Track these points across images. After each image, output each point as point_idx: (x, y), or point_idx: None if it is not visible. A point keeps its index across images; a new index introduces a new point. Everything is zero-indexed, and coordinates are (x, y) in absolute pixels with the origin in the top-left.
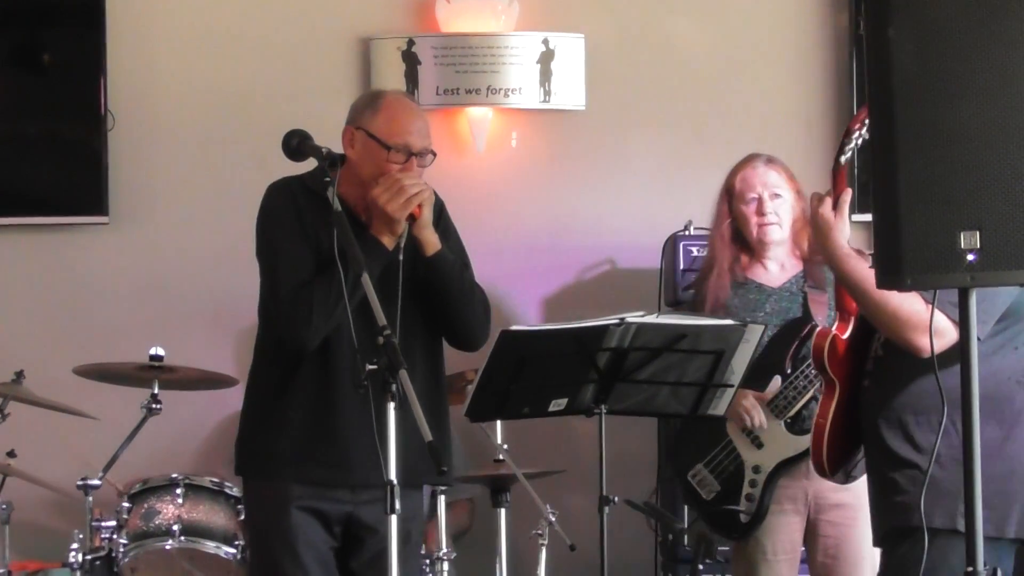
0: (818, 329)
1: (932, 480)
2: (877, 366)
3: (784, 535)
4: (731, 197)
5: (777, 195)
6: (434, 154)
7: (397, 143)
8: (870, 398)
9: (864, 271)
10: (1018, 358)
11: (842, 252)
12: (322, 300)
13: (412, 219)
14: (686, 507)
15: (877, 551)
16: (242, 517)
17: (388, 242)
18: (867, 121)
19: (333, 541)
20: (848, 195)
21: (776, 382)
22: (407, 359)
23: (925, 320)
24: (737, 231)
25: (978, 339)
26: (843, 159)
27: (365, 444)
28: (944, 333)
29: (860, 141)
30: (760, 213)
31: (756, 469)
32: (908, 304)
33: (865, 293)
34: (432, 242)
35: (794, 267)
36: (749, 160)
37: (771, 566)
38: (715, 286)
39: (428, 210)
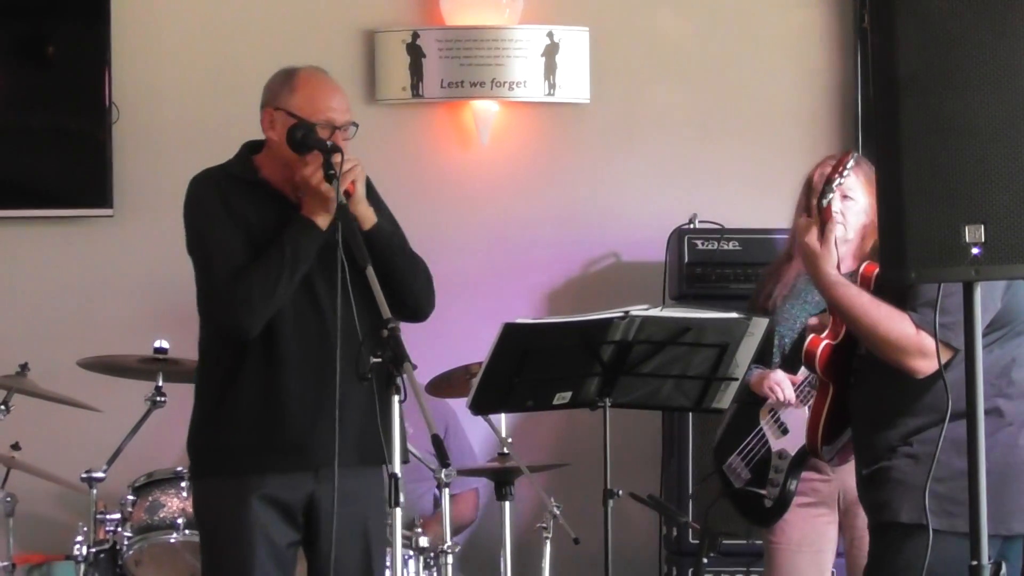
0: (810, 337)
1: (902, 476)
2: (861, 365)
3: (808, 528)
4: (808, 190)
5: (848, 197)
6: (356, 125)
7: (320, 119)
8: (855, 397)
9: (853, 297)
10: (993, 360)
11: (830, 280)
12: (261, 283)
13: (347, 195)
14: (691, 502)
15: None
16: None
17: (323, 222)
18: (849, 166)
19: (295, 534)
20: (834, 226)
21: (804, 370)
22: (356, 339)
23: (915, 343)
24: None
25: (956, 350)
26: (824, 202)
27: (322, 425)
28: (932, 355)
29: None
30: (828, 211)
31: (781, 455)
32: (898, 328)
33: (855, 319)
34: (368, 216)
35: (849, 268)
36: (833, 158)
37: (789, 557)
38: (794, 270)
39: (361, 186)
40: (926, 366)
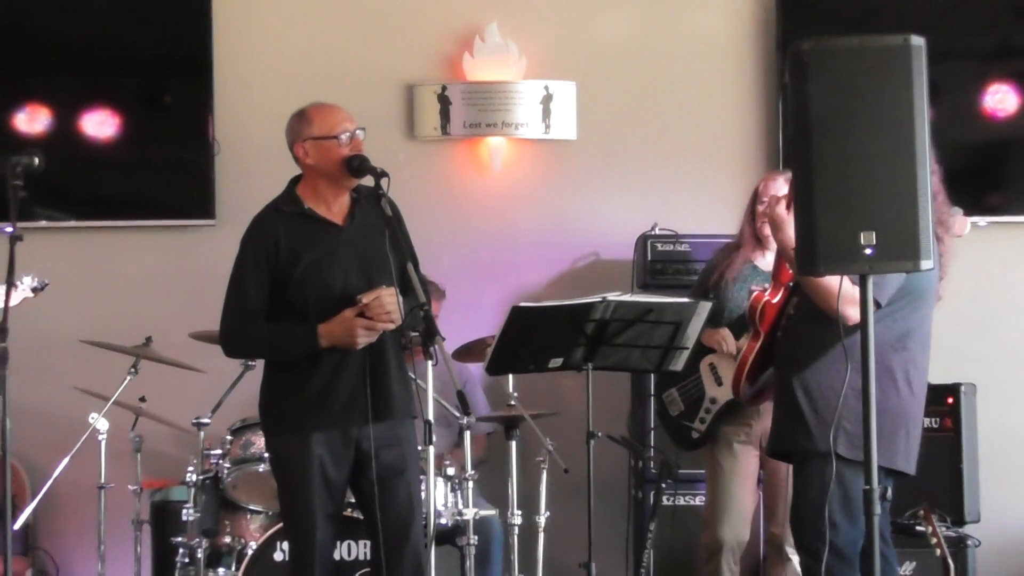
0: (755, 292)
1: (822, 414)
2: (789, 322)
3: (743, 460)
4: (755, 198)
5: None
6: (363, 129)
7: (339, 131)
8: (781, 348)
9: None
10: (895, 328)
11: (791, 241)
12: (249, 342)
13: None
14: (652, 435)
15: None
16: None
17: (326, 343)
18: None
19: (345, 472)
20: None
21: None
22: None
23: (851, 293)
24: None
25: (879, 304)
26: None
27: (361, 392)
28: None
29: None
30: (764, 214)
31: (712, 400)
32: (845, 283)
33: None
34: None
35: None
36: (772, 174)
37: (728, 484)
38: (740, 259)
39: (395, 316)
40: (855, 313)
